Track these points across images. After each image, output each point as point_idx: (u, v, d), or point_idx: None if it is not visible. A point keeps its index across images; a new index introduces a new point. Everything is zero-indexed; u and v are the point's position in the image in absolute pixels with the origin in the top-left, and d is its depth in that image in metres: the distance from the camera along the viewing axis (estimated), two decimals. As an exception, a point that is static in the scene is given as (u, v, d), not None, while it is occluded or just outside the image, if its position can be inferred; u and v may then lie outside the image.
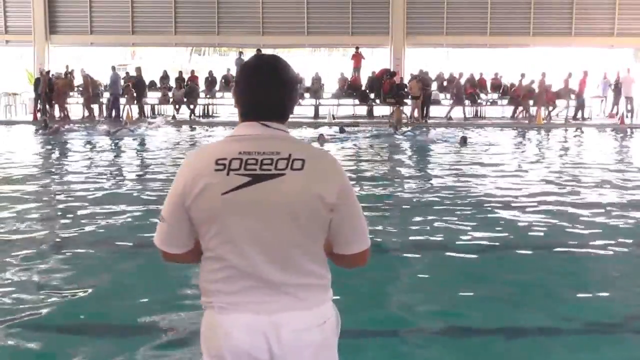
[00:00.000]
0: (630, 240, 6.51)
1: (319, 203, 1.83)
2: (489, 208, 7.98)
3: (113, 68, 21.67)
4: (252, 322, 1.85)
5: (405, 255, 6.02)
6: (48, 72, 22.14)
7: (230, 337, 1.86)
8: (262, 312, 1.85)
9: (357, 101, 22.60)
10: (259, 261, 1.84)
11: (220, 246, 1.87)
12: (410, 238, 6.56)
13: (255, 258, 1.84)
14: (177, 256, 1.99)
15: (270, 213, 1.83)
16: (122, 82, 21.61)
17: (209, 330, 1.93)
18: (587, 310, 4.72)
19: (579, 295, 5.01)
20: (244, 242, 1.84)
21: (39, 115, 21.60)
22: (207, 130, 19.10)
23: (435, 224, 7.10)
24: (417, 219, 7.34)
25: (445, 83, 23.77)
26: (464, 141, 14.94)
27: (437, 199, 8.59)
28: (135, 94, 21.77)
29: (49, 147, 15.05)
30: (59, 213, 7.74)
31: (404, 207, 8.33)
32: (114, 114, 21.27)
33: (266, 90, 1.89)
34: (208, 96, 23.53)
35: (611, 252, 6.15)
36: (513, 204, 8.26)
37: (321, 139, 14.97)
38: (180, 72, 24.14)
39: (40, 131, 17.59)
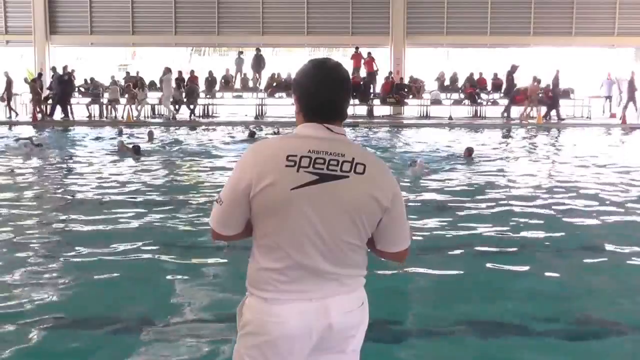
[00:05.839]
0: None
1: (376, 206, 2.00)
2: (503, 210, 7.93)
3: (53, 69, 22.47)
4: (305, 309, 1.99)
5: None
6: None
7: (285, 325, 1.98)
8: (314, 299, 2.00)
9: (357, 101, 22.56)
10: (315, 254, 1.98)
11: (280, 236, 1.98)
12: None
13: (312, 251, 1.97)
14: (227, 237, 2.10)
15: (332, 211, 1.97)
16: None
17: (259, 319, 2.01)
18: (605, 313, 4.67)
19: (596, 297, 4.98)
20: (303, 235, 1.97)
21: (39, 116, 21.55)
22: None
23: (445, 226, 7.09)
24: (424, 221, 7.32)
25: (446, 83, 23.78)
26: (469, 153, 12.41)
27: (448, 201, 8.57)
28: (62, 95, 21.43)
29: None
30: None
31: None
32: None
33: (332, 93, 2.02)
34: (208, 96, 23.54)
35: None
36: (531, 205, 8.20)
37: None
38: (180, 72, 24.11)
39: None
